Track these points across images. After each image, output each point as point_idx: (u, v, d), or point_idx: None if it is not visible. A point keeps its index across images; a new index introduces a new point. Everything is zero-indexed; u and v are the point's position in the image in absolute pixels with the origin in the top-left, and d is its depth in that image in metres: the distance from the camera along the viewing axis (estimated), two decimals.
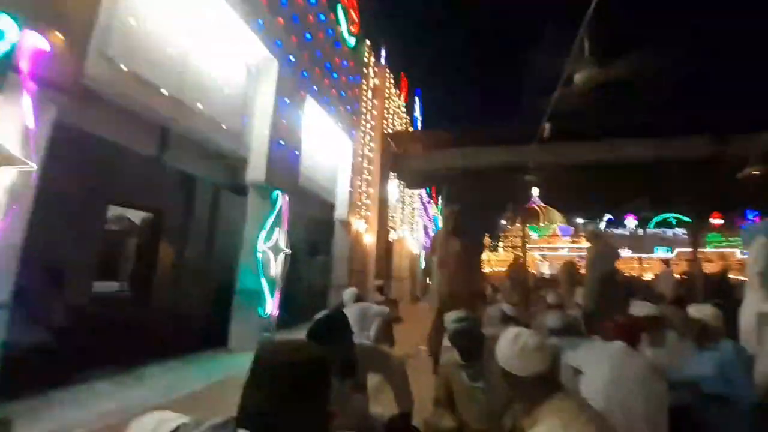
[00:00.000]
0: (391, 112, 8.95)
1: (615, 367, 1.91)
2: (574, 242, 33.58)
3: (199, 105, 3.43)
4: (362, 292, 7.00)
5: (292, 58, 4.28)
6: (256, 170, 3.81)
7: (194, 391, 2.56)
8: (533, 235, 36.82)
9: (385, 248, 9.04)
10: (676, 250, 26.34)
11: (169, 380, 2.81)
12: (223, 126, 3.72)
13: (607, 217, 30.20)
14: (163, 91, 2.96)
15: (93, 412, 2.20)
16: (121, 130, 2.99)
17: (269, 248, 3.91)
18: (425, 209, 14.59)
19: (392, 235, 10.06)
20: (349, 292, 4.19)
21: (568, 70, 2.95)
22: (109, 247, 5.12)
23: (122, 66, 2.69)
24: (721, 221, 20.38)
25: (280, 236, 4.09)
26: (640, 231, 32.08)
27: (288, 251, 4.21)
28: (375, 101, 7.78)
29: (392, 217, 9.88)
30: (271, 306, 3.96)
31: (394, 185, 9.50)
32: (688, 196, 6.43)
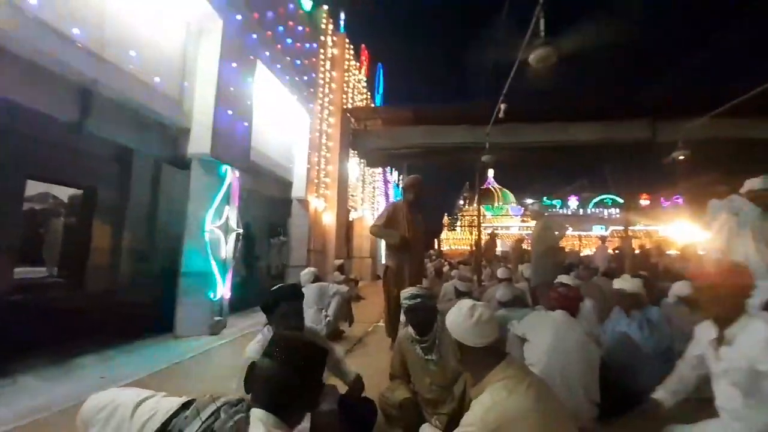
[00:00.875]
0: (351, 85, 8.63)
1: (556, 334, 2.08)
2: (523, 221, 35.88)
3: (128, 65, 3.00)
4: (322, 271, 6.94)
5: (239, 17, 3.88)
6: (199, 142, 3.48)
7: (135, 381, 2.38)
8: (488, 215, 38.68)
9: (346, 228, 8.97)
10: (611, 228, 29.22)
11: (106, 371, 2.58)
12: (159, 91, 3.32)
13: (553, 197, 32.53)
14: (80, 45, 2.54)
15: (14, 409, 1.96)
16: (35, 92, 2.55)
17: (218, 227, 3.66)
18: (387, 189, 14.62)
19: (353, 215, 9.98)
20: (307, 272, 4.11)
21: (524, 50, 3.00)
22: (31, 228, 4.53)
23: (31, 14, 2.25)
24: (648, 202, 22.81)
25: (231, 215, 3.84)
26: (581, 211, 35.04)
27: (240, 231, 3.98)
28: (333, 73, 7.43)
29: (353, 195, 9.76)
30: (223, 289, 3.76)
31: (354, 163, 9.33)
32: (621, 179, 7.05)
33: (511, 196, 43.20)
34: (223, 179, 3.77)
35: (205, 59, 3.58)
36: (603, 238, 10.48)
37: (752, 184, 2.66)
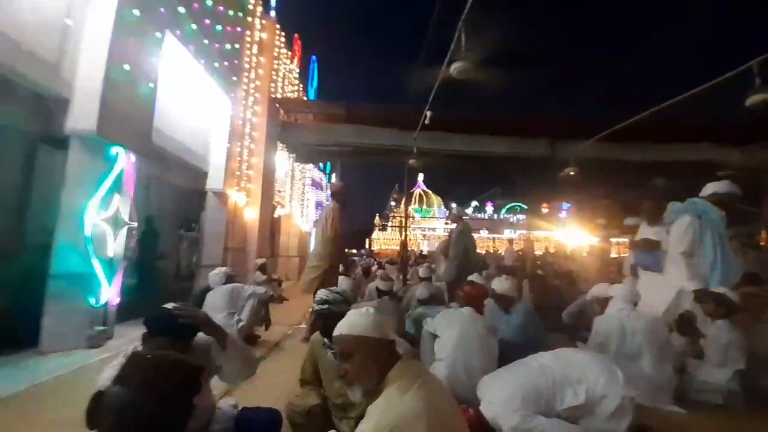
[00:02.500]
0: (281, 75, 8.17)
1: (461, 330, 2.22)
2: (447, 223, 38.43)
3: None
4: (241, 271, 6.43)
5: None
6: (81, 116, 2.89)
7: None
8: (417, 216, 40.46)
9: (271, 225, 8.46)
10: (518, 232, 33.02)
11: None
12: (27, 50, 2.67)
13: (473, 202, 35.45)
14: None
15: None
16: None
17: (105, 220, 3.09)
18: (319, 186, 14.24)
19: (279, 211, 9.47)
20: (217, 273, 3.75)
21: (447, 62, 3.17)
22: None
23: None
24: (548, 210, 26.35)
25: (123, 205, 3.28)
26: (496, 216, 38.90)
27: (134, 224, 3.43)
28: (261, 58, 6.94)
29: (280, 191, 9.26)
30: (108, 293, 3.19)
31: (283, 157, 8.86)
32: (527, 189, 7.98)
33: (438, 200, 45.90)
34: (113, 163, 3.19)
35: (93, 22, 2.99)
36: (511, 241, 11.80)
37: (716, 187, 2.62)
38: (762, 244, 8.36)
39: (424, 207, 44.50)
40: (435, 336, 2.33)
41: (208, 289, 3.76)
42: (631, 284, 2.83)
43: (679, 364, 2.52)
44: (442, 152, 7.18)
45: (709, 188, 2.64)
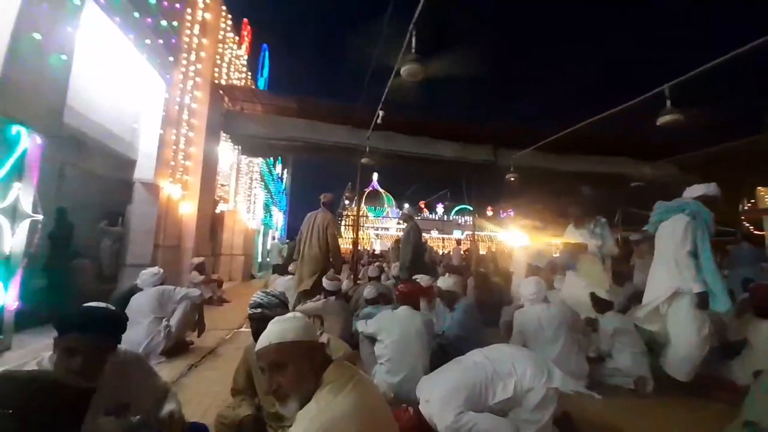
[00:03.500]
0: (227, 60, 7.64)
1: (401, 328, 2.25)
2: (399, 223, 39.13)
3: None
4: (175, 271, 5.89)
5: None
6: None
7: None
8: (371, 216, 40.65)
9: (212, 221, 7.88)
10: (465, 232, 34.65)
11: None
12: None
13: (421, 203, 36.53)
14: None
15: None
16: None
17: (0, 211, 2.62)
18: (268, 181, 13.58)
19: (222, 206, 8.86)
20: (152, 272, 3.41)
21: (399, 62, 3.19)
22: None
23: None
24: (492, 213, 28.08)
25: (24, 195, 2.81)
26: (446, 217, 40.48)
27: (39, 217, 2.95)
28: (204, 40, 6.41)
29: (223, 185, 8.67)
30: (5, 297, 2.71)
31: (227, 148, 8.29)
32: (473, 192, 8.41)
33: (392, 200, 46.46)
34: (14, 146, 2.72)
35: None
36: (459, 241, 12.39)
37: (706, 189, 2.56)
38: None
39: (378, 206, 44.82)
40: (373, 339, 2.33)
41: (134, 290, 3.39)
42: (536, 281, 2.87)
43: (596, 353, 2.82)
44: (394, 153, 7.26)
45: (698, 189, 2.56)
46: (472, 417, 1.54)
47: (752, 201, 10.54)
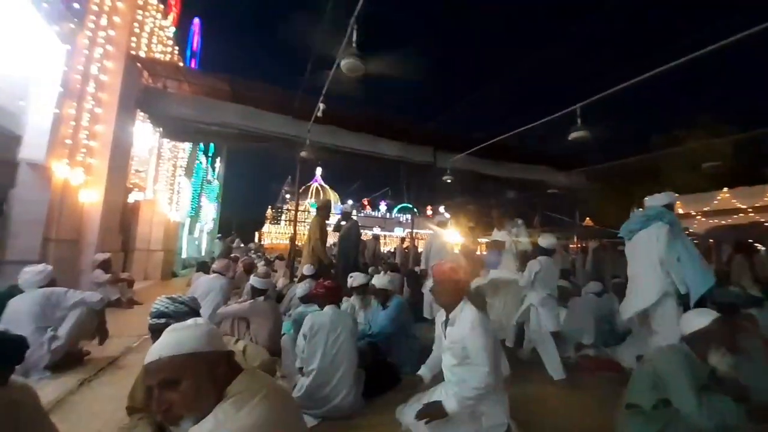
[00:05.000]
0: (148, 31, 6.73)
1: (331, 327, 2.20)
2: (341, 221, 38.85)
3: None
4: (73, 269, 5.05)
5: None
6: None
7: None
8: (313, 211, 39.67)
9: (124, 212, 6.92)
10: (406, 230, 35.81)
11: None
12: None
13: (364, 200, 36.85)
14: None
15: None
16: None
17: None
18: (198, 169, 12.36)
19: (137, 196, 7.83)
20: (29, 272, 2.86)
21: (339, 56, 3.11)
22: None
23: None
24: (431, 212, 29.40)
25: None
26: (388, 215, 41.28)
27: None
28: (119, 4, 5.57)
29: (139, 171, 7.67)
30: None
31: (147, 130, 7.34)
32: (413, 191, 8.67)
33: (335, 195, 45.81)
34: None
35: None
36: (402, 239, 12.65)
37: (669, 198, 2.71)
38: (573, 246, 11.10)
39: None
40: (298, 340, 2.24)
41: (12, 292, 2.83)
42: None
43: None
44: (337, 148, 7.11)
45: (663, 198, 2.71)
46: None
47: (640, 210, 12.53)
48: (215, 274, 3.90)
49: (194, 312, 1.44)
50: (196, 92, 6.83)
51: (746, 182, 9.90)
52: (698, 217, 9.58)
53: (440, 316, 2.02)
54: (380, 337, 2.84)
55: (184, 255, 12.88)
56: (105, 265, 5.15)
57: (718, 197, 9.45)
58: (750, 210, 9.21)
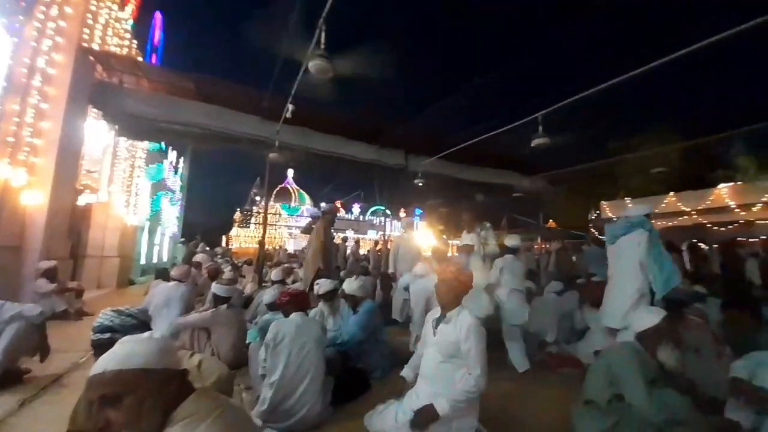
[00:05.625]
0: (103, 22, 6.30)
1: (298, 336, 2.13)
2: (313, 224, 38.18)
3: None
4: (14, 279, 4.61)
5: None
6: None
7: None
8: (284, 214, 38.76)
9: (74, 215, 6.39)
10: (379, 233, 35.82)
11: None
12: None
13: (337, 203, 36.54)
14: None
15: None
16: None
17: None
18: (159, 170, 11.67)
19: (88, 198, 7.27)
20: None
21: (308, 57, 3.05)
22: None
23: None
24: (405, 214, 29.63)
25: None
26: (362, 217, 41.13)
27: None
28: None
29: (91, 171, 7.12)
30: None
31: (101, 127, 6.84)
32: (386, 194, 8.70)
33: (307, 198, 44.93)
34: None
35: None
36: (376, 242, 12.59)
37: (648, 209, 2.91)
38: (537, 247, 11.59)
39: (293, 204, 42.91)
40: (265, 347, 2.15)
41: None
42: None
43: None
44: (308, 150, 6.98)
45: (643, 209, 2.96)
46: None
47: (598, 212, 13.37)
48: (174, 282, 3.69)
49: (144, 325, 1.35)
50: (157, 89, 6.47)
51: (691, 186, 10.82)
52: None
53: (433, 314, 2.05)
54: (350, 344, 2.80)
55: (143, 261, 12.10)
56: (50, 274, 4.72)
57: (665, 200, 10.26)
58: (694, 212, 10.07)
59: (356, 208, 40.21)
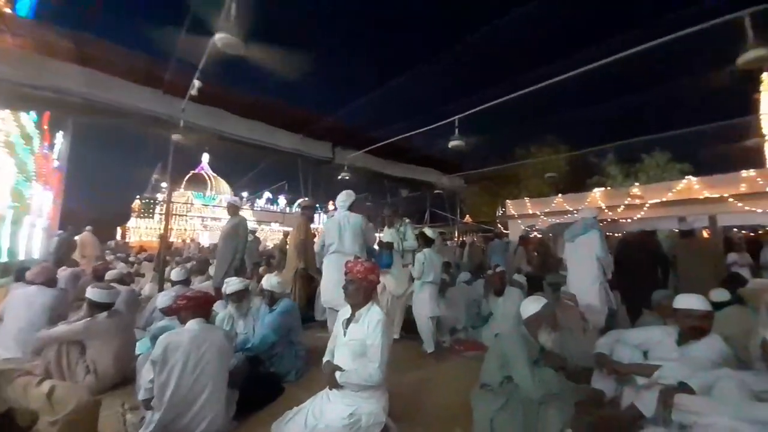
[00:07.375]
0: None
1: (192, 346, 1.88)
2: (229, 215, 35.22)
3: None
4: None
5: None
6: None
7: None
8: (198, 203, 34.92)
9: None
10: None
11: None
12: None
13: (266, 194, 34.31)
14: None
15: None
16: None
17: None
18: (28, 147, 9.33)
19: None
20: None
21: (215, 28, 2.70)
22: None
23: None
24: (333, 207, 29.30)
25: None
26: (288, 210, 39.36)
27: None
28: None
29: None
30: None
31: None
32: (311, 186, 8.44)
33: (226, 186, 41.06)
34: None
35: None
36: (286, 234, 12.14)
37: (592, 212, 3.59)
38: (454, 240, 12.55)
39: (209, 193, 38.83)
40: (154, 362, 1.87)
41: None
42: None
43: None
44: (222, 134, 6.30)
45: (591, 212, 3.61)
46: None
47: (504, 209, 15.06)
48: (37, 286, 3.00)
49: None
50: (25, 47, 5.12)
51: (574, 189, 12.89)
52: (542, 217, 11.98)
53: (343, 313, 2.01)
54: (261, 348, 2.62)
55: (3, 258, 9.66)
56: None
57: (554, 202, 11.99)
58: (575, 211, 11.98)
59: (282, 200, 38.29)
